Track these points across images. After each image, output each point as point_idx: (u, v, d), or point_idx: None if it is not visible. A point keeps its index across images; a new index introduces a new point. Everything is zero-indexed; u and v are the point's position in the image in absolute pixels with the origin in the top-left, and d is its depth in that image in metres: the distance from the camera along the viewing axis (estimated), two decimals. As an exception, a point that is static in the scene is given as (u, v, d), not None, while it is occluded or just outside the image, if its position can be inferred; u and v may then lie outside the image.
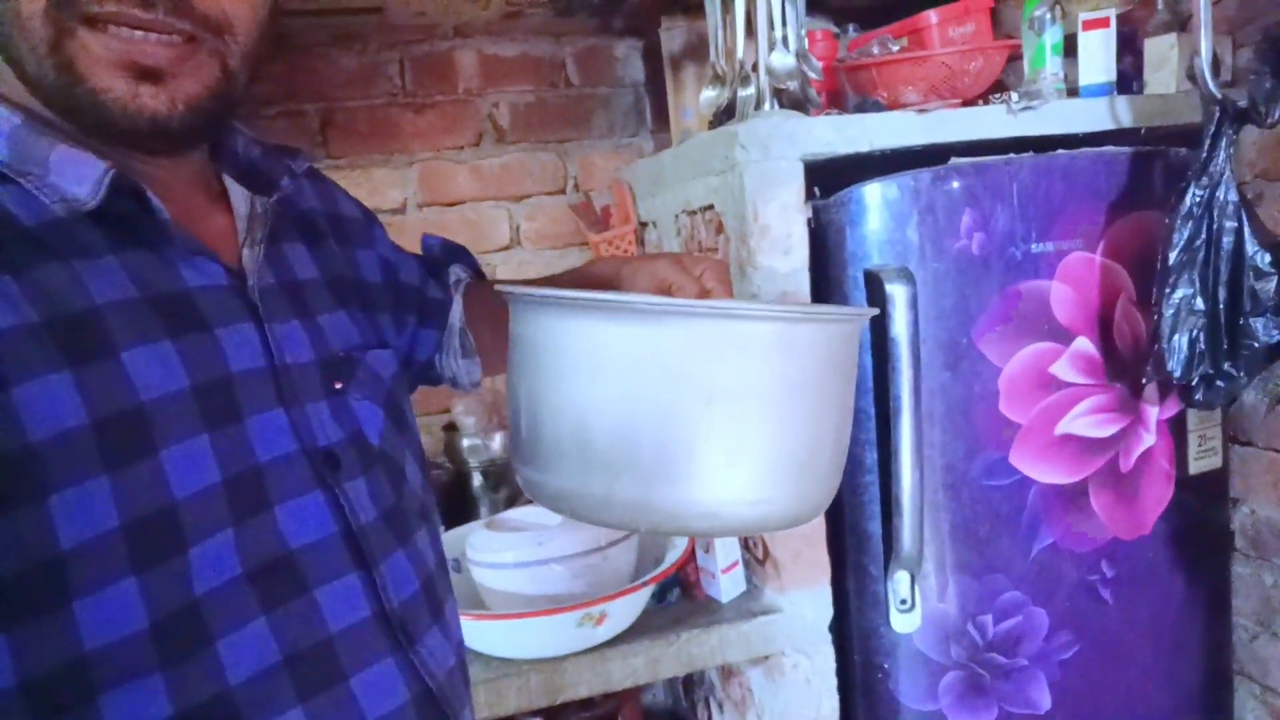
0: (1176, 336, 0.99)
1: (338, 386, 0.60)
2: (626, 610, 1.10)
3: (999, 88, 1.24)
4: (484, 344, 0.86)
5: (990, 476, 1.15)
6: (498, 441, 1.45)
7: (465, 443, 1.45)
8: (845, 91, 1.37)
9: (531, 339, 0.59)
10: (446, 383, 0.88)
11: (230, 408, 0.52)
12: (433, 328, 0.84)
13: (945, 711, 1.18)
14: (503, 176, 1.67)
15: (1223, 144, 0.95)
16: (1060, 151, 1.13)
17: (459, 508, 1.46)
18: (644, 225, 1.56)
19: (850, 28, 1.55)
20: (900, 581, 1.14)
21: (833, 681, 1.20)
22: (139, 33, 0.48)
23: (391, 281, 0.78)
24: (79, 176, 0.48)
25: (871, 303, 1.10)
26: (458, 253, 0.91)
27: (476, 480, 1.47)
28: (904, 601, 1.15)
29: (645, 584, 1.06)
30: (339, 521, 0.56)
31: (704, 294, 0.64)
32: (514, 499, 1.49)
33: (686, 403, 0.53)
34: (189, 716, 0.47)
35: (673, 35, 1.50)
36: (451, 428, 1.50)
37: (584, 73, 1.69)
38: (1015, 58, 1.24)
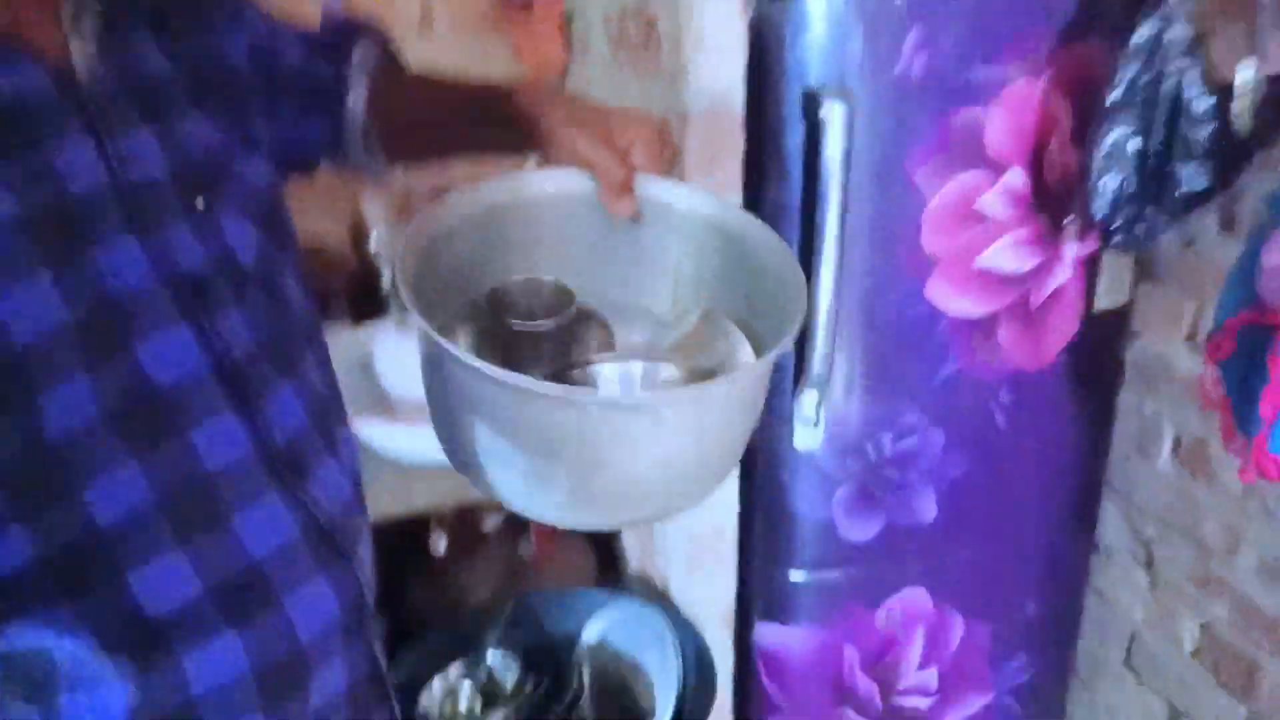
0: (1106, 177, 0.98)
1: (199, 205, 0.53)
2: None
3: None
4: (399, 130, 0.74)
5: (906, 306, 1.16)
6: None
7: (373, 241, 1.39)
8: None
9: (444, 381, 0.56)
10: (350, 170, 0.79)
11: (72, 237, 0.46)
12: (321, 114, 0.73)
13: (835, 520, 1.26)
14: (416, -55, 1.49)
15: (1183, -26, 0.90)
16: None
17: (367, 305, 1.42)
18: (570, 15, 1.43)
19: None
20: (807, 400, 1.18)
21: (734, 489, 1.26)
22: None
23: (266, 64, 0.67)
24: None
25: (808, 124, 1.04)
26: (363, 29, 0.78)
27: (385, 277, 1.42)
28: (808, 420, 1.19)
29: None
30: (209, 357, 0.51)
31: (629, 175, 0.60)
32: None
33: (589, 467, 0.54)
34: (55, 559, 0.45)
35: None
36: (357, 227, 1.42)
37: None
38: None
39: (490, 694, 1.19)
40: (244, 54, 0.64)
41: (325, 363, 0.64)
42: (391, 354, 1.08)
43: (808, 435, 1.21)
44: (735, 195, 1.08)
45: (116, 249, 0.48)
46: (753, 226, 0.64)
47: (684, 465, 0.57)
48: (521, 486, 0.56)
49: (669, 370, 0.62)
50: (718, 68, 1.02)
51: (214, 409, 0.51)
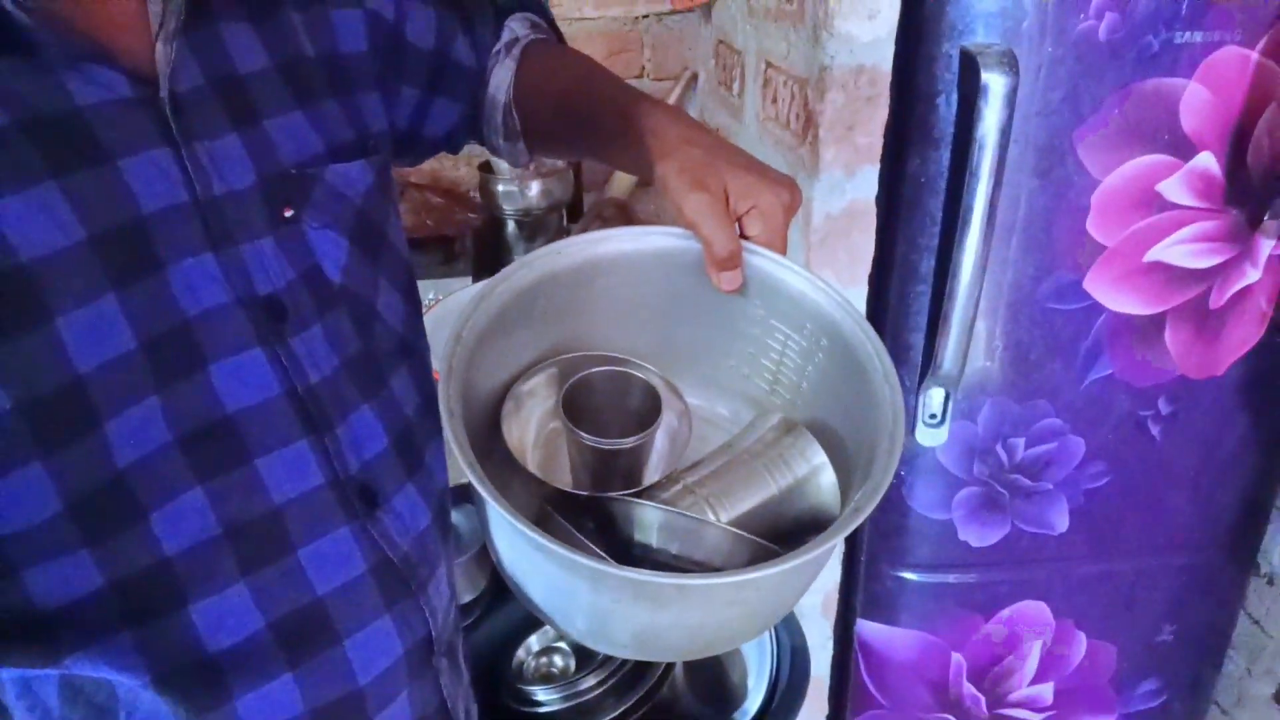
0: (1325, 173, 0.82)
1: (288, 214, 0.50)
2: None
3: None
4: (541, 122, 0.69)
5: (1058, 299, 1.03)
6: (535, 189, 1.36)
7: (500, 188, 1.36)
8: None
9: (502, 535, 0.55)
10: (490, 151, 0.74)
11: (144, 258, 0.43)
12: (454, 99, 0.68)
13: (956, 522, 1.17)
14: None
15: None
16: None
17: (492, 255, 1.41)
18: (719, -51, 1.33)
19: None
20: (933, 397, 1.08)
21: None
22: None
23: (386, 45, 0.62)
24: None
25: (963, 91, 0.92)
26: (519, 1, 0.72)
27: (510, 227, 1.40)
28: (934, 416, 1.09)
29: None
30: (283, 382, 0.49)
31: (738, 249, 0.54)
32: (549, 251, 1.43)
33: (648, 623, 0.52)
34: (123, 586, 0.43)
35: None
36: (487, 167, 1.40)
37: None
38: None
39: (585, 655, 1.19)
40: (361, 36, 0.59)
41: (420, 375, 0.60)
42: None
43: (932, 432, 1.12)
44: (872, 166, 0.98)
45: (192, 268, 0.45)
46: (865, 337, 0.57)
47: (740, 623, 0.54)
48: (585, 631, 0.54)
49: (713, 535, 0.57)
50: (865, 21, 0.91)
51: (285, 437, 0.49)
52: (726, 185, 0.54)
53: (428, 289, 1.25)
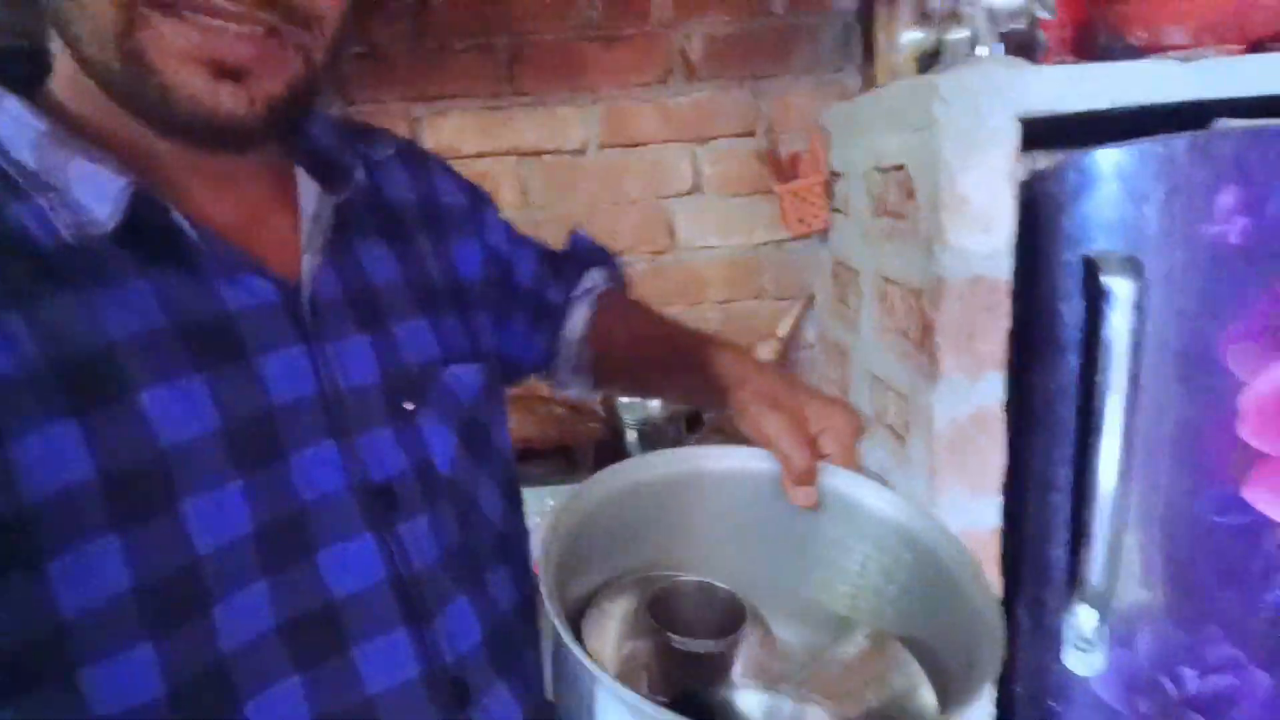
0: None
1: (408, 407, 0.54)
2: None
3: (1296, 30, 0.98)
4: (610, 360, 0.76)
5: (1219, 513, 0.95)
6: (655, 400, 1.39)
7: (622, 398, 1.40)
8: (1090, 31, 1.15)
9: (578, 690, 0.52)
10: (557, 387, 0.81)
11: (270, 446, 0.46)
12: (545, 332, 0.76)
13: (1124, 771, 1.02)
14: (690, 116, 1.56)
15: None
16: (1373, 117, 0.88)
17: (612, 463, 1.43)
18: (836, 175, 1.41)
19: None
20: (1083, 618, 0.98)
21: (989, 712, 1.07)
22: (218, 21, 0.42)
23: (498, 278, 0.70)
24: (98, 193, 0.43)
25: (1086, 297, 0.91)
26: (599, 256, 0.82)
27: (630, 437, 1.42)
28: (1086, 641, 0.99)
29: None
30: (388, 568, 0.50)
31: (814, 464, 0.56)
32: (669, 460, 1.44)
33: None
34: None
35: (887, -40, 1.32)
36: (612, 379, 1.45)
37: (789, 1, 1.54)
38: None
39: None
40: (477, 265, 0.67)
41: (519, 576, 0.61)
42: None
43: (1084, 660, 1.01)
44: (998, 371, 0.96)
45: (312, 455, 0.48)
46: (948, 544, 0.56)
47: None
48: None
49: (817, 714, 0.53)
50: (981, 234, 0.93)
51: (385, 625, 0.50)
52: (802, 407, 0.57)
53: (548, 495, 1.27)
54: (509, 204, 1.55)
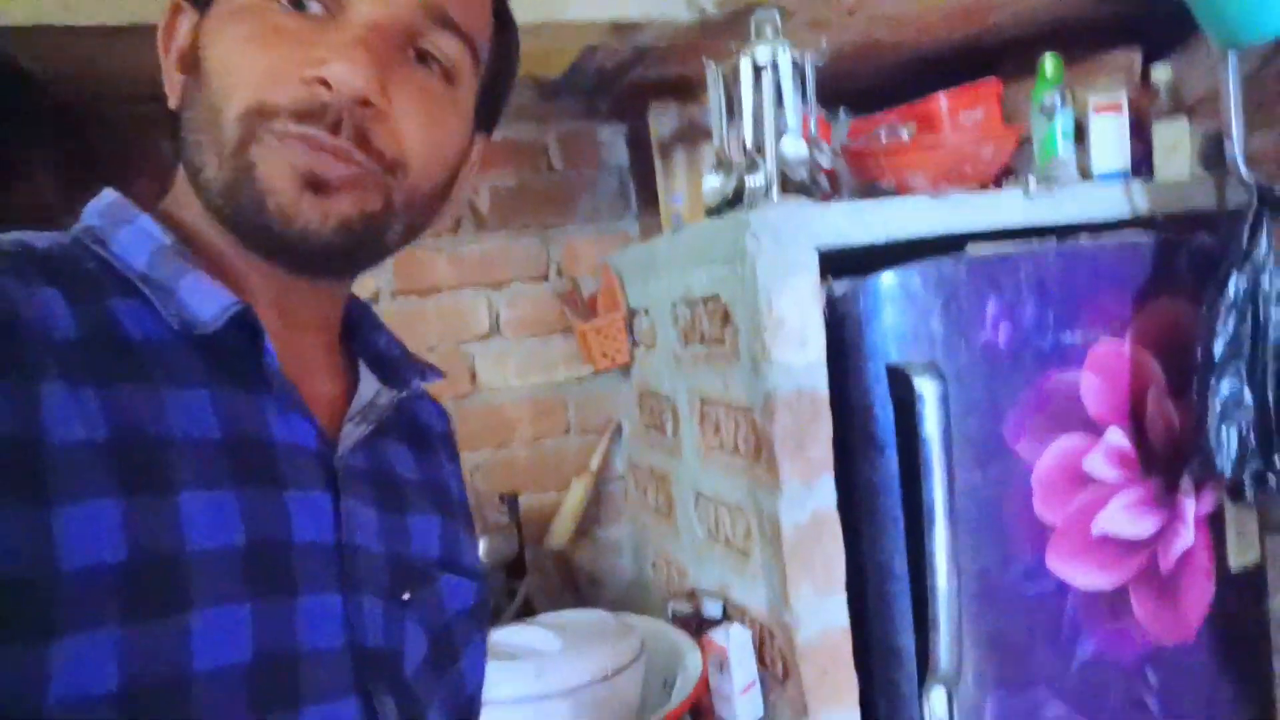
0: (1225, 431, 0.94)
1: (405, 596, 0.54)
2: (639, 748, 0.98)
3: (1007, 174, 1.21)
4: None
5: (1027, 582, 1.07)
6: (481, 547, 1.34)
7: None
8: (842, 178, 1.33)
9: None
10: None
11: (283, 579, 0.47)
12: None
13: (988, 844, 1.07)
14: (482, 263, 1.59)
15: (1264, 231, 0.91)
16: (1084, 238, 1.09)
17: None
18: (634, 313, 1.48)
19: (840, 111, 1.53)
20: (936, 700, 1.05)
21: (863, 812, 1.09)
22: (321, 153, 0.47)
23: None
24: (205, 302, 0.47)
25: (897, 399, 1.03)
26: None
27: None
28: (940, 719, 1.05)
29: None
30: None
31: None
32: (498, 610, 1.37)
33: None
34: None
35: (662, 120, 1.46)
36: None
37: (567, 156, 1.64)
38: (1021, 143, 1.21)
39: None
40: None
41: None
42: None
43: (939, 738, 1.07)
44: (828, 475, 1.04)
45: (318, 604, 0.48)
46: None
47: None
48: None
49: None
50: (799, 350, 1.02)
51: None
52: None
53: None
54: (301, 360, 1.47)
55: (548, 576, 1.58)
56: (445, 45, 0.52)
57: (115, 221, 0.50)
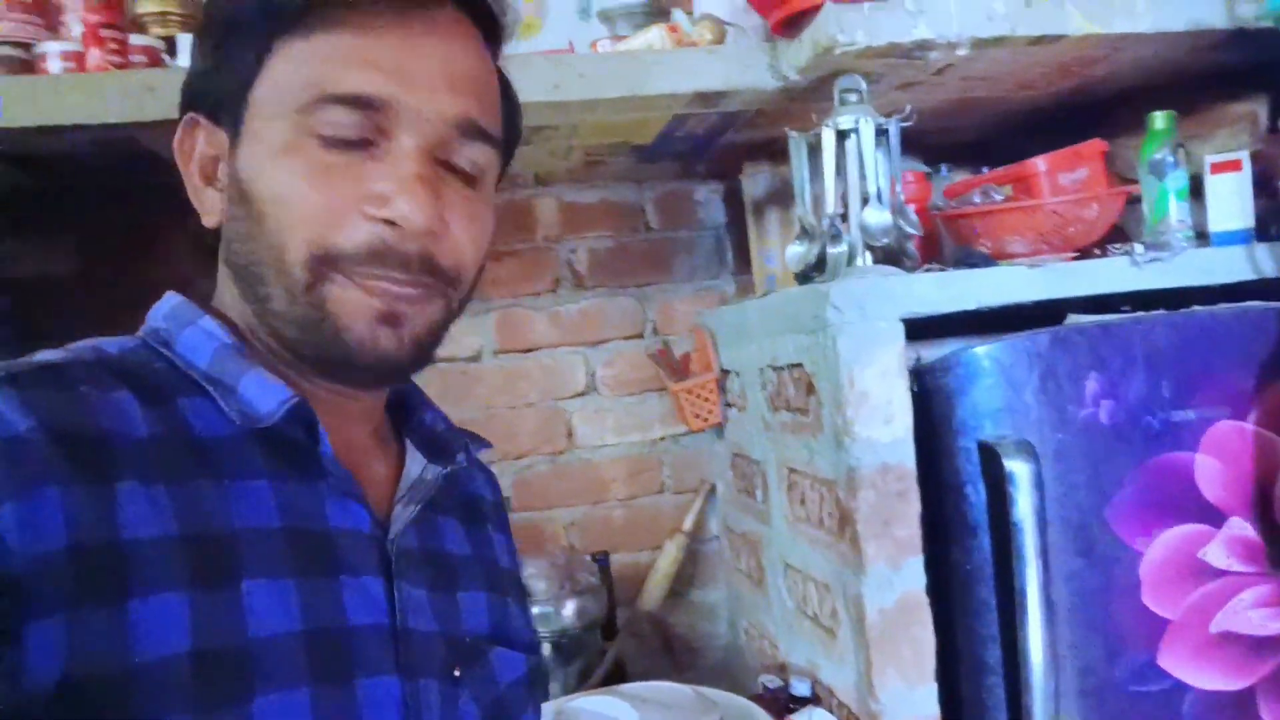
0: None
1: (456, 674, 0.56)
2: (713, 833, 0.96)
3: (1116, 237, 1.14)
4: None
5: (1138, 681, 0.98)
6: (570, 609, 1.35)
7: (535, 610, 1.35)
8: (941, 239, 1.29)
9: None
10: None
11: (341, 664, 0.49)
12: None
13: None
14: (580, 322, 1.62)
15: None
16: (1197, 308, 1.01)
17: (528, 682, 1.35)
18: (726, 373, 1.47)
19: (943, 168, 1.49)
20: (1034, 805, 0.97)
21: None
22: (385, 284, 0.50)
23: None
24: (265, 397, 0.50)
25: (988, 479, 0.97)
26: None
27: (545, 650, 1.36)
28: (1040, 829, 0.98)
29: (734, 807, 0.93)
30: None
31: None
32: (588, 672, 1.37)
33: None
34: None
35: (756, 180, 1.46)
36: (522, 592, 1.40)
37: (664, 217, 1.66)
38: (1133, 201, 1.14)
39: None
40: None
41: None
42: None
43: (1038, 845, 0.99)
44: (916, 557, 0.99)
45: (378, 687, 0.50)
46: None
47: None
48: None
49: None
50: (884, 425, 0.99)
51: None
52: None
53: None
54: (405, 417, 1.53)
55: (642, 639, 1.57)
56: (477, 156, 0.54)
57: (180, 323, 0.53)
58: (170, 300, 0.55)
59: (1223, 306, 1.02)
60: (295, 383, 0.53)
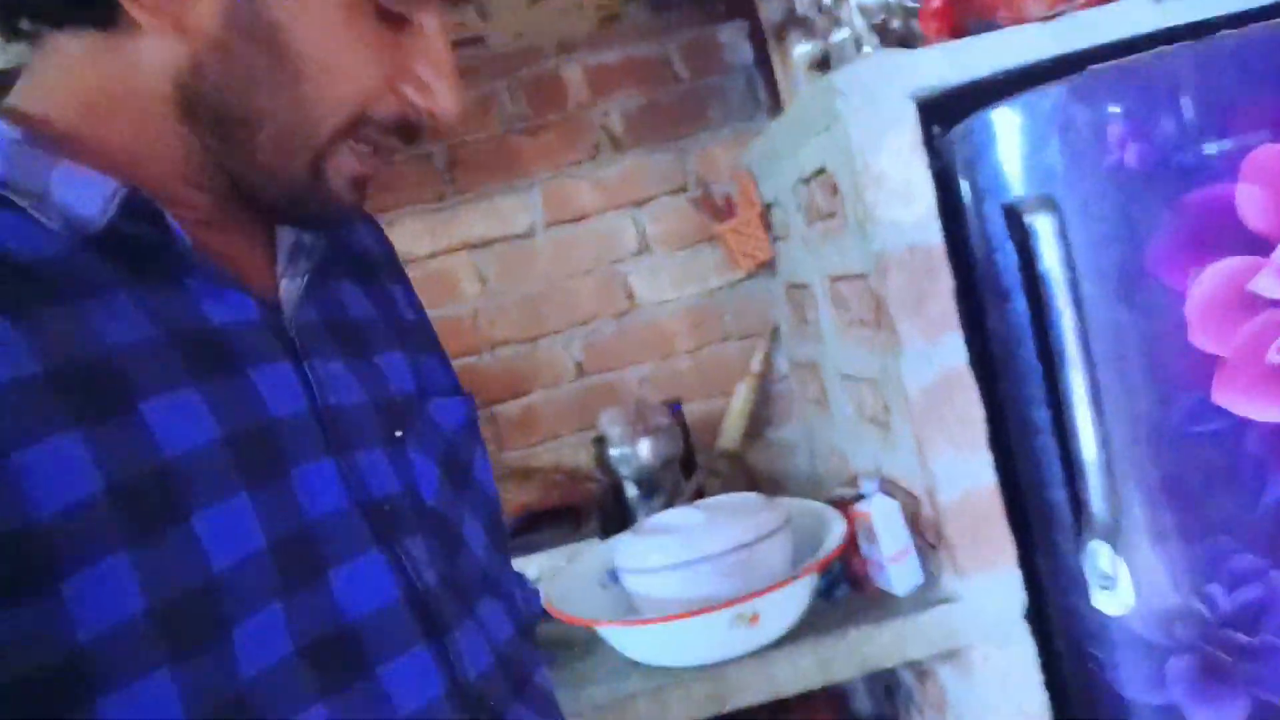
0: None
1: (398, 434, 0.54)
2: (782, 607, 1.02)
3: (1143, -22, 1.08)
4: None
5: (1194, 422, 0.98)
6: (645, 448, 1.42)
7: (614, 453, 1.43)
8: (964, 25, 1.25)
9: None
10: None
11: (272, 459, 0.46)
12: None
13: (1181, 704, 1.01)
14: (623, 184, 1.65)
15: None
16: (1225, 32, 0.96)
17: (617, 519, 1.44)
18: (769, 207, 1.48)
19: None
20: (1097, 554, 0.99)
21: (1035, 675, 1.07)
22: (366, 148, 0.50)
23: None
24: (85, 197, 0.42)
25: (1015, 240, 0.97)
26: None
27: (630, 490, 1.44)
28: (1106, 577, 1.00)
29: (795, 578, 0.98)
30: (402, 584, 0.49)
31: None
32: (670, 504, 1.45)
33: None
34: None
35: (771, 5, 1.43)
36: (601, 440, 1.48)
37: (691, 66, 1.65)
38: (1158, -59, 1.07)
39: None
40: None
41: (510, 621, 0.60)
42: (628, 559, 1.07)
43: (1111, 598, 1.01)
44: (955, 332, 1.00)
45: (312, 472, 0.47)
46: None
47: None
48: None
49: None
50: (905, 206, 0.99)
51: (405, 643, 0.49)
52: None
53: (560, 556, 1.28)
54: (470, 295, 1.61)
55: (723, 476, 1.63)
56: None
57: None
58: None
59: (1254, 26, 0.96)
60: (124, 170, 0.45)
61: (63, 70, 0.47)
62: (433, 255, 1.60)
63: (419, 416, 0.57)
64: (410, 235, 1.59)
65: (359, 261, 0.63)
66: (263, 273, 0.53)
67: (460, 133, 1.61)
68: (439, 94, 0.49)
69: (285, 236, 0.54)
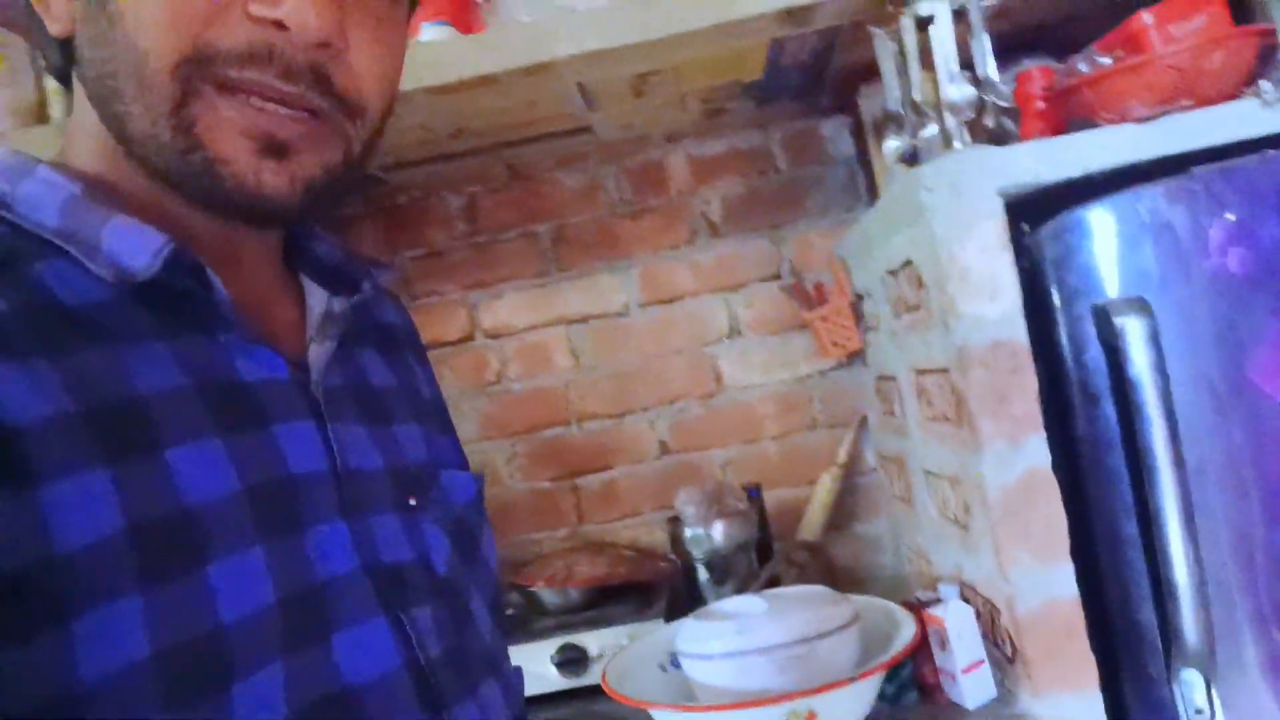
0: None
1: (411, 503, 0.54)
2: (841, 708, 0.98)
3: (1254, 84, 1.04)
4: None
5: (1303, 547, 0.90)
6: (718, 530, 1.40)
7: (688, 533, 1.42)
8: (1065, 126, 1.24)
9: None
10: None
11: (289, 515, 0.45)
12: None
13: None
14: (718, 268, 1.68)
15: None
16: (1339, 137, 0.92)
17: (687, 602, 1.42)
18: (860, 297, 1.48)
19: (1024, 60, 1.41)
20: (1190, 685, 0.92)
21: (1121, 811, 0.98)
22: (271, 104, 0.44)
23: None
24: (135, 248, 0.43)
25: (1104, 343, 0.94)
26: None
27: (702, 573, 1.42)
28: (1199, 712, 0.92)
29: (854, 679, 0.95)
30: (404, 653, 0.48)
31: None
32: (741, 590, 1.42)
33: None
34: None
35: (871, 100, 1.46)
36: (676, 520, 1.48)
37: (792, 156, 1.68)
38: (1271, 46, 1.04)
39: None
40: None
41: (508, 696, 0.59)
42: (687, 643, 1.06)
43: (1207, 733, 0.93)
44: (1038, 434, 0.97)
45: (326, 533, 0.47)
46: None
47: None
48: None
49: None
50: (989, 301, 0.98)
51: (403, 712, 0.47)
52: None
53: (623, 635, 1.27)
54: (564, 368, 1.65)
55: (802, 567, 1.59)
56: None
57: (13, 179, 0.45)
58: None
59: (1372, 133, 0.92)
60: (177, 224, 0.46)
61: (79, 114, 0.48)
62: (531, 328, 1.66)
63: (432, 487, 0.57)
64: (511, 308, 1.66)
65: (384, 333, 0.63)
66: (292, 335, 0.53)
67: (565, 214, 1.68)
68: (286, 2, 0.42)
69: (316, 303, 0.55)
